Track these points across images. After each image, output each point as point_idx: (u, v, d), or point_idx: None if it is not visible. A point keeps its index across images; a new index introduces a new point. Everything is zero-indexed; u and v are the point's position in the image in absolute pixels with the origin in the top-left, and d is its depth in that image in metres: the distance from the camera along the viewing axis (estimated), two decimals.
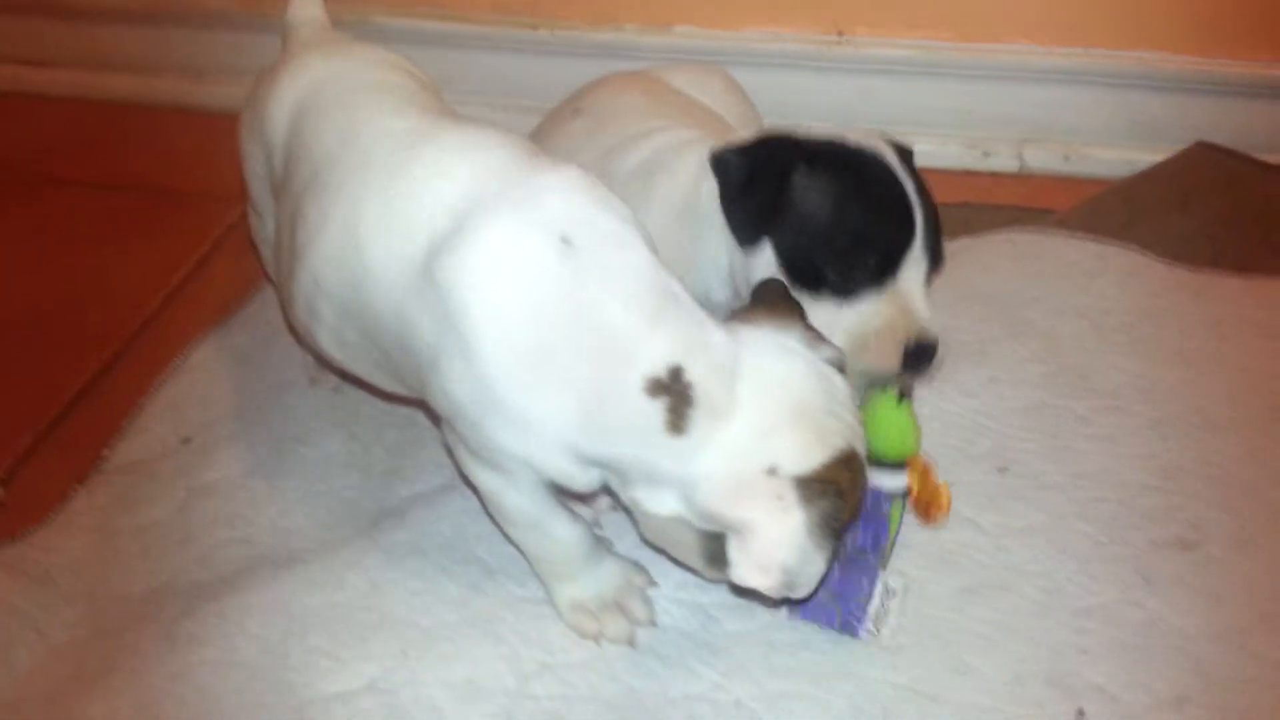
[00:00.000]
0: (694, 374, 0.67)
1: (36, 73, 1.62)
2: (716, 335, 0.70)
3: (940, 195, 1.31)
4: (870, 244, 0.82)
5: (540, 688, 0.77)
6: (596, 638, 0.80)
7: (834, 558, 0.71)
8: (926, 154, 1.38)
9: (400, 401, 0.95)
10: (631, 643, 0.80)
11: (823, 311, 0.82)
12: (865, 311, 0.82)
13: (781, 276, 0.82)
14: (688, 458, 0.68)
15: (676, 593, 0.83)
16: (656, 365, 0.67)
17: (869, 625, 0.79)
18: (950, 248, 1.16)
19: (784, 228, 0.82)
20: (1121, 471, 0.92)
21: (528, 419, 0.68)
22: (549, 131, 1.05)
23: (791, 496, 0.67)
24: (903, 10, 1.35)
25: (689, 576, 0.83)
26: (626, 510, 0.75)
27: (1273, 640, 0.79)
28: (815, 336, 0.75)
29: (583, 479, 0.72)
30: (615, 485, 0.73)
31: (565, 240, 0.67)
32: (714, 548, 0.69)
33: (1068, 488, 0.91)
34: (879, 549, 0.82)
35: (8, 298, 1.20)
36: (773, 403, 0.69)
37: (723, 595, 0.83)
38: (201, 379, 1.07)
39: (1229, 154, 1.27)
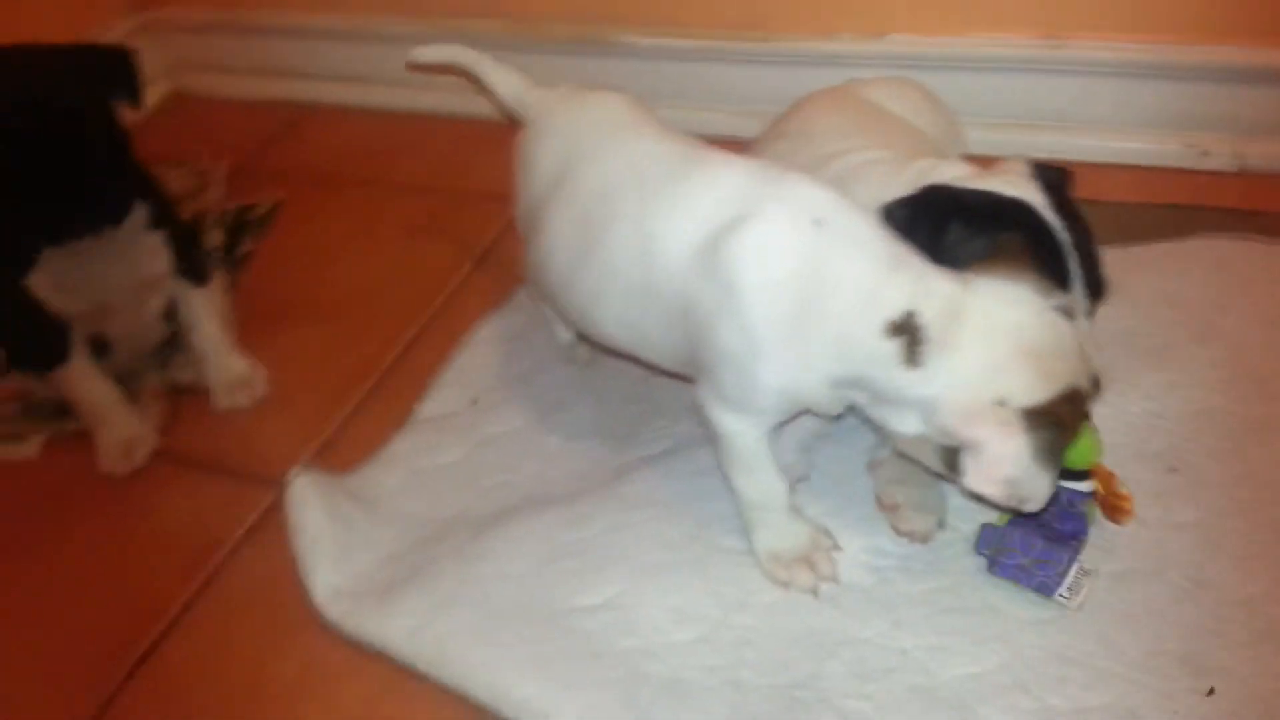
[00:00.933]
0: (925, 317, 0.82)
1: (348, 88, 1.96)
2: (945, 284, 0.84)
3: (1156, 195, 1.38)
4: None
5: (737, 618, 0.94)
6: (786, 585, 0.97)
7: (1057, 479, 0.83)
8: (1143, 153, 1.44)
9: (655, 370, 1.12)
10: (815, 593, 0.96)
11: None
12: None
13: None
14: (924, 386, 0.83)
15: (859, 555, 0.98)
16: (893, 310, 0.83)
17: (1063, 591, 0.91)
18: (1146, 251, 1.24)
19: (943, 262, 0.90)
20: None
21: (791, 359, 0.87)
22: (759, 153, 1.19)
23: (1017, 425, 0.80)
24: (1118, 14, 1.38)
25: (873, 542, 0.98)
26: (876, 429, 0.93)
27: None
28: (1047, 285, 0.87)
29: (833, 404, 0.91)
30: (865, 405, 0.89)
31: (817, 221, 0.86)
32: (951, 458, 0.84)
33: (1230, 487, 0.98)
34: (1079, 539, 0.94)
35: (334, 283, 1.50)
36: (1002, 343, 0.82)
37: (898, 560, 0.97)
38: (485, 352, 1.32)
39: None
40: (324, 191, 1.72)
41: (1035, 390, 0.81)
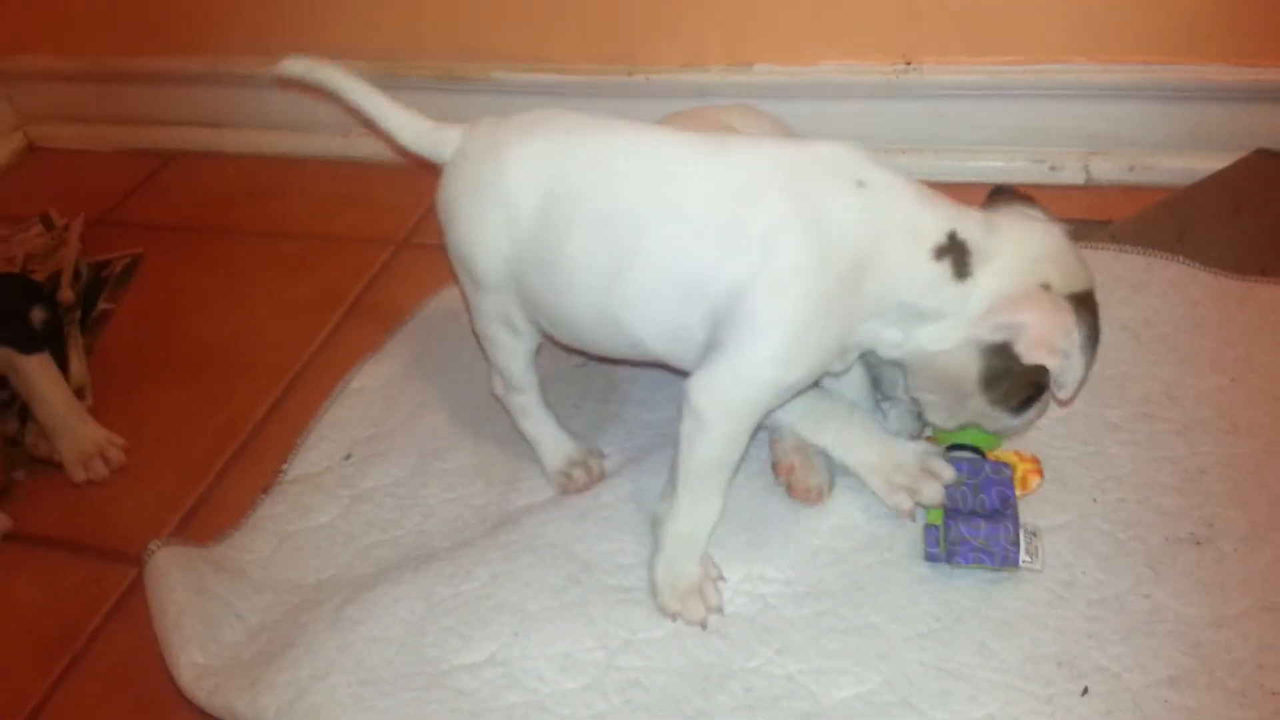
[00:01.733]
0: (965, 233, 0.89)
1: (209, 134, 1.90)
2: (972, 210, 0.92)
3: None
4: None
5: (624, 660, 0.93)
6: (675, 617, 0.96)
7: (1090, 367, 0.91)
8: (995, 170, 1.49)
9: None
10: (704, 625, 0.96)
11: None
12: None
13: None
14: (975, 294, 0.89)
15: (741, 584, 0.98)
16: (938, 235, 0.89)
17: (1024, 556, 0.93)
18: None
19: None
20: (1146, 474, 1.02)
21: (855, 303, 0.90)
22: None
23: (1063, 302, 0.88)
24: (967, 38, 1.44)
25: (755, 569, 0.98)
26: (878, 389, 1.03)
27: (1267, 626, 0.88)
28: (1058, 223, 0.95)
29: (851, 354, 0.95)
30: (896, 342, 0.93)
31: (860, 183, 0.89)
32: (993, 365, 0.90)
33: (1094, 490, 1.01)
34: (1011, 503, 0.96)
35: (197, 340, 1.44)
36: (1038, 243, 0.91)
37: (781, 585, 0.97)
38: (358, 403, 1.28)
39: None
40: (186, 243, 1.66)
41: (1072, 279, 0.90)
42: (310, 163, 1.82)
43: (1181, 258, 1.22)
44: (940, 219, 0.90)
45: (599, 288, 0.95)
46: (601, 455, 1.14)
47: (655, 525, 1.00)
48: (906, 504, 0.99)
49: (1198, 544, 0.95)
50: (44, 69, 1.95)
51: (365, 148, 1.77)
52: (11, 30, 1.94)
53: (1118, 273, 1.22)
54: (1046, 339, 0.88)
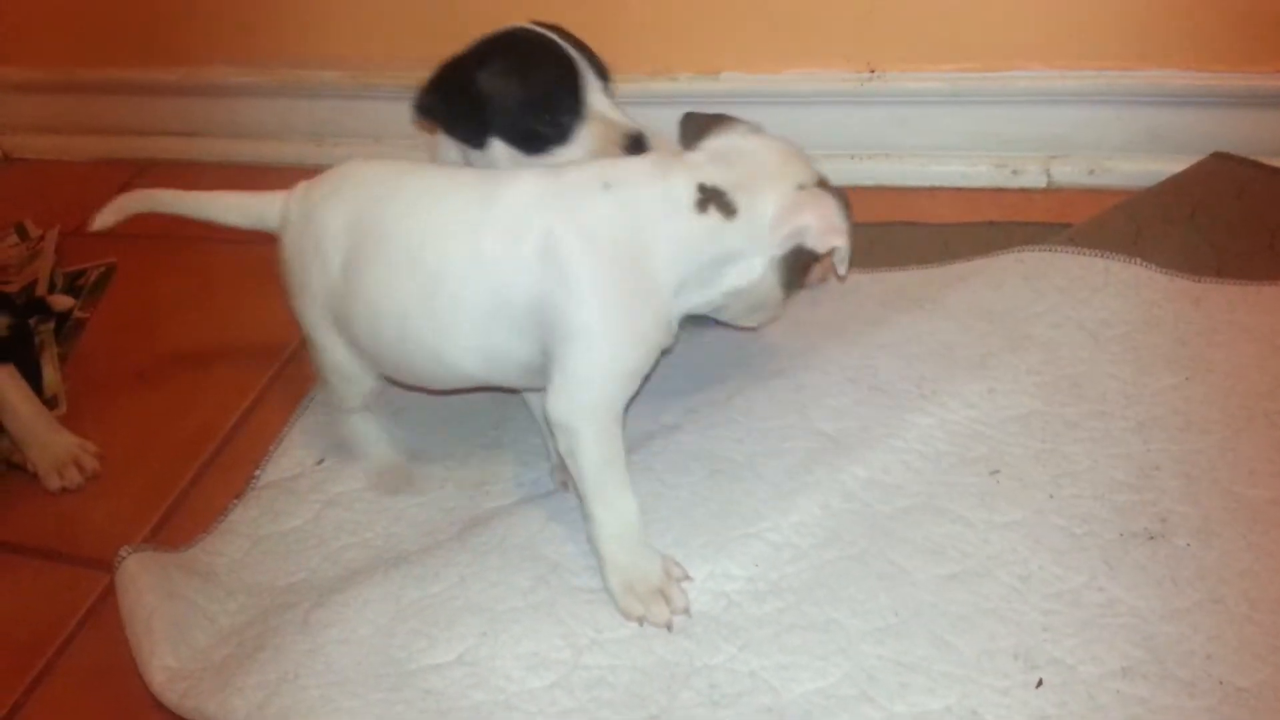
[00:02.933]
0: (710, 179, 0.96)
1: (183, 143, 1.91)
2: (698, 154, 0.99)
3: (971, 214, 1.46)
4: (553, 95, 1.04)
5: (590, 659, 0.94)
6: (640, 620, 0.97)
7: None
8: (958, 174, 1.52)
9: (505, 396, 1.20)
10: (669, 627, 0.97)
11: (559, 158, 1.05)
12: (583, 141, 1.05)
13: (515, 149, 1.06)
14: (749, 223, 0.97)
15: (705, 582, 0.99)
16: (688, 192, 0.96)
17: None
18: (963, 268, 1.31)
19: (495, 121, 1.05)
20: (1101, 471, 1.04)
21: (654, 284, 0.96)
22: None
23: (819, 190, 0.98)
24: (928, 46, 1.47)
25: (719, 567, 0.99)
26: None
27: (1217, 618, 0.90)
28: (755, 125, 1.03)
29: (674, 324, 1.00)
30: (710, 298, 1.00)
31: (605, 185, 0.97)
32: (791, 270, 1.00)
33: (1050, 487, 1.03)
34: None
35: (170, 347, 1.45)
36: (769, 153, 0.99)
37: (744, 583, 0.98)
38: (330, 410, 1.29)
39: (1241, 163, 1.34)
40: (159, 251, 1.66)
41: (812, 173, 1.00)
42: (283, 170, 1.82)
43: (1138, 259, 1.24)
44: (680, 178, 0.97)
45: (407, 323, 1.01)
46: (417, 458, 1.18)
47: (591, 544, 1.01)
48: (637, 610, 0.98)
49: (1151, 539, 0.97)
50: (18, 80, 1.96)
51: (338, 155, 1.77)
52: None
53: (1076, 274, 1.24)
54: (830, 227, 0.97)
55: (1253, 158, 1.36)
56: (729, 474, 1.08)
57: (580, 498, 1.00)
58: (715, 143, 1.01)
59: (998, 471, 1.05)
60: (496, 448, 1.21)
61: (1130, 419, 1.09)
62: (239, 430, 1.29)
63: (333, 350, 1.11)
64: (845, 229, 0.98)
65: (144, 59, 1.87)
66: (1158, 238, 1.27)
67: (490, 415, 1.24)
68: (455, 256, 0.99)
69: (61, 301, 1.55)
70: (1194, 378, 1.12)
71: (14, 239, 1.74)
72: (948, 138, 1.51)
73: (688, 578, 1.00)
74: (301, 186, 1.10)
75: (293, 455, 1.24)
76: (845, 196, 1.01)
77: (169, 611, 1.02)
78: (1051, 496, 1.02)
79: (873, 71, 1.50)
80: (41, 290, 1.59)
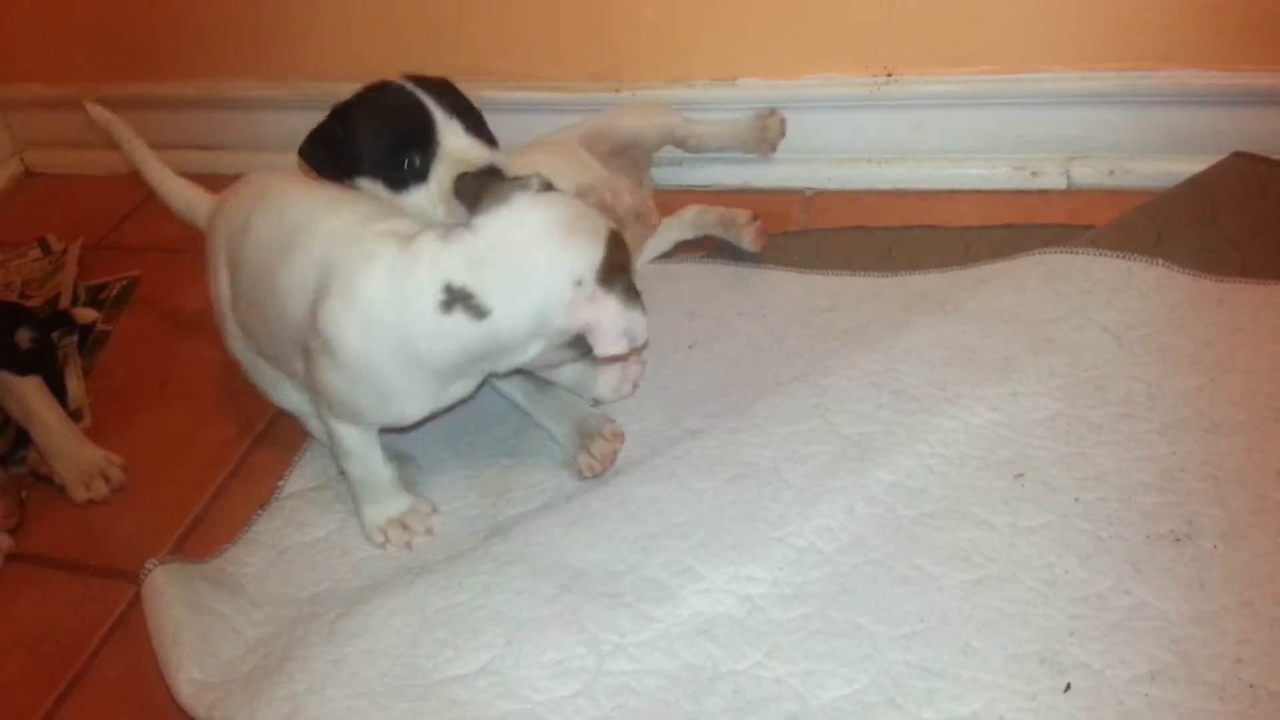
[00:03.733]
0: (457, 278, 0.94)
1: (203, 156, 1.92)
2: (459, 242, 0.95)
3: (990, 216, 1.45)
4: (405, 136, 1.08)
5: (614, 664, 0.94)
6: (383, 545, 1.11)
7: (644, 310, 0.98)
8: (977, 177, 1.51)
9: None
10: (410, 547, 1.11)
11: (423, 196, 1.08)
12: (440, 180, 1.07)
13: (383, 187, 1.10)
14: (509, 315, 0.94)
15: (729, 585, 0.99)
16: (435, 295, 0.94)
17: None
18: (984, 271, 1.31)
19: (359, 163, 1.11)
20: (1126, 474, 1.03)
21: (415, 382, 1.00)
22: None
23: (599, 291, 0.94)
24: (945, 49, 1.46)
25: (742, 570, 0.99)
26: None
27: (1245, 621, 0.89)
28: (542, 180, 0.99)
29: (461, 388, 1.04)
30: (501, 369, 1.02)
31: (393, 260, 0.98)
32: (577, 348, 0.98)
33: (1075, 490, 1.02)
34: None
35: (193, 359, 1.46)
36: (542, 238, 0.94)
37: (768, 586, 0.98)
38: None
39: (1263, 162, 1.33)
40: (181, 264, 1.66)
41: (592, 255, 0.94)
42: None
43: (1160, 260, 1.23)
44: (429, 278, 0.94)
45: (260, 319, 1.10)
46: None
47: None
48: (379, 539, 1.12)
49: (1178, 541, 0.97)
50: (39, 96, 1.98)
51: None
52: (7, 59, 1.97)
53: (1097, 276, 1.23)
54: (609, 336, 0.95)
55: (1274, 157, 1.35)
56: (752, 478, 1.08)
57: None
58: (485, 223, 0.96)
59: (1022, 475, 1.05)
60: (517, 456, 1.21)
61: (1155, 421, 1.08)
62: (262, 441, 1.30)
63: (241, 354, 1.21)
64: (626, 333, 0.95)
65: (163, 74, 1.89)
66: (1180, 238, 1.26)
67: (510, 424, 1.25)
68: (278, 273, 1.05)
69: (86, 314, 1.56)
70: (1219, 379, 1.11)
71: (37, 253, 1.76)
72: (966, 140, 1.51)
73: (436, 511, 1.14)
74: (225, 193, 1.20)
75: (316, 465, 1.24)
76: (629, 280, 0.97)
77: (195, 624, 1.02)
78: (1077, 500, 1.02)
79: (890, 75, 1.50)
80: (65, 304, 1.60)
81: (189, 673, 0.99)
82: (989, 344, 1.18)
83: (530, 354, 0.98)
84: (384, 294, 0.96)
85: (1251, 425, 1.05)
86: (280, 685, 0.96)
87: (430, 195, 1.08)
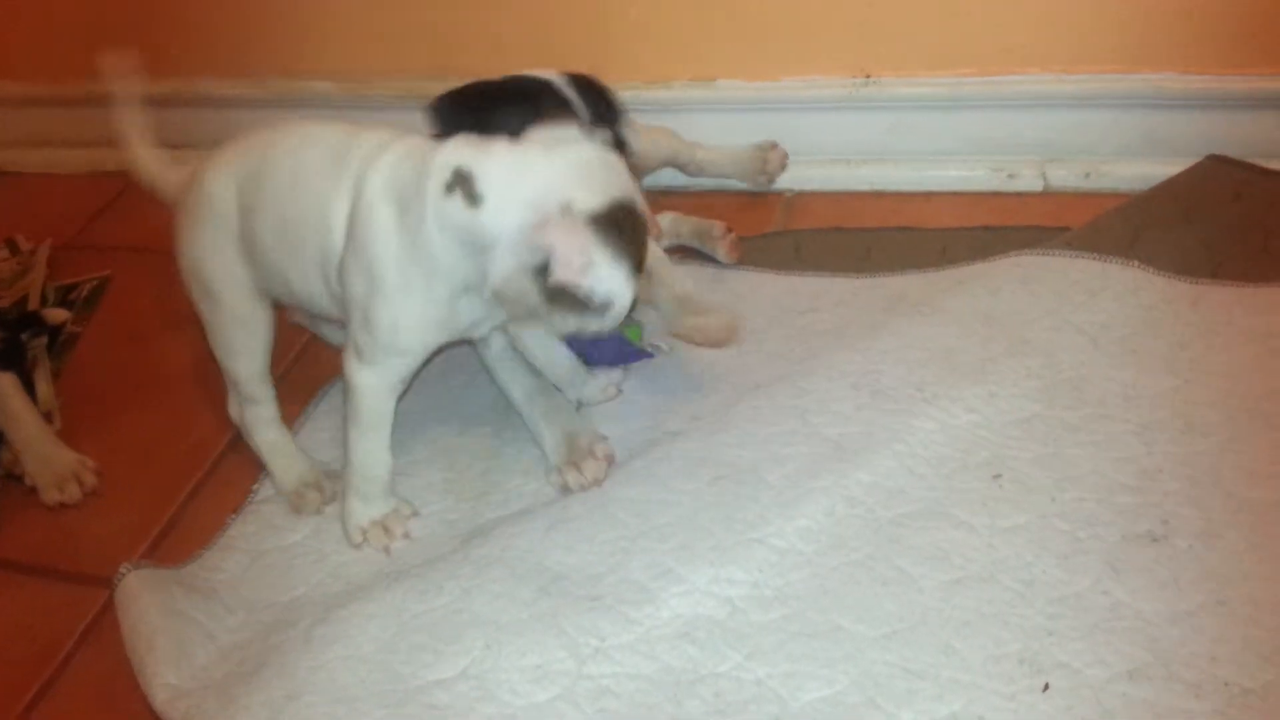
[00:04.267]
0: (472, 166, 0.96)
1: (180, 155, 1.90)
2: (492, 142, 0.98)
3: (968, 218, 1.46)
4: None
5: (594, 668, 0.93)
6: (360, 546, 1.11)
7: (635, 281, 0.96)
8: (955, 179, 1.52)
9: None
10: (388, 551, 1.11)
11: None
12: None
13: None
14: (496, 218, 0.95)
15: (710, 587, 0.98)
16: (443, 173, 0.97)
17: (649, 347, 1.18)
18: (962, 272, 1.32)
19: None
20: (1103, 474, 1.04)
21: (433, 261, 0.99)
22: None
23: (580, 223, 0.93)
24: (924, 52, 1.47)
25: (722, 572, 0.99)
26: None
27: (1221, 620, 0.90)
28: (589, 129, 1.02)
29: (474, 318, 1.05)
30: (488, 294, 0.99)
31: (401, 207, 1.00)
32: (542, 275, 0.94)
33: (1053, 490, 1.03)
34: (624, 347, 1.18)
35: (166, 361, 1.44)
36: (556, 164, 0.96)
37: (748, 588, 0.98)
38: (327, 424, 1.29)
39: (1237, 165, 1.35)
40: (153, 265, 1.64)
41: (590, 198, 0.94)
42: None
43: (1136, 262, 1.24)
44: (444, 159, 0.98)
45: (289, 257, 1.08)
46: (335, 477, 1.19)
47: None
48: (357, 539, 1.12)
49: (1154, 541, 0.97)
50: (6, 94, 1.95)
51: None
52: None
53: (1074, 278, 1.24)
54: (568, 261, 0.92)
55: (1248, 160, 1.36)
56: (732, 480, 1.08)
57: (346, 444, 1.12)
58: (537, 135, 1.00)
59: (1000, 476, 1.05)
60: (496, 458, 1.20)
61: (1131, 421, 1.09)
62: (236, 444, 1.28)
63: (232, 296, 1.15)
64: (585, 267, 0.93)
65: (135, 71, 1.86)
66: (1155, 240, 1.27)
67: (489, 425, 1.24)
68: (306, 208, 1.05)
69: (56, 315, 1.54)
70: (1194, 380, 1.12)
71: (4, 253, 1.73)
72: (944, 142, 1.51)
73: (416, 514, 1.14)
74: (195, 161, 1.18)
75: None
76: (625, 240, 0.95)
77: (170, 629, 1.01)
78: (1054, 500, 1.02)
79: (868, 77, 1.51)
80: (34, 305, 1.58)
81: (164, 679, 0.97)
82: (966, 345, 1.18)
83: (502, 267, 0.96)
84: (410, 177, 0.99)
85: (1226, 426, 1.06)
86: (257, 692, 0.95)
87: None
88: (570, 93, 1.10)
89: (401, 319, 1.02)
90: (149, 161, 1.27)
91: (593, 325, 0.97)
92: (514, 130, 1.01)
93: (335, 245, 1.04)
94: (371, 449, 1.10)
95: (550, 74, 1.12)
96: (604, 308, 0.94)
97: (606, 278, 0.93)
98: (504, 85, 1.10)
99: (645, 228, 1.00)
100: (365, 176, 1.02)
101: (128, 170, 1.30)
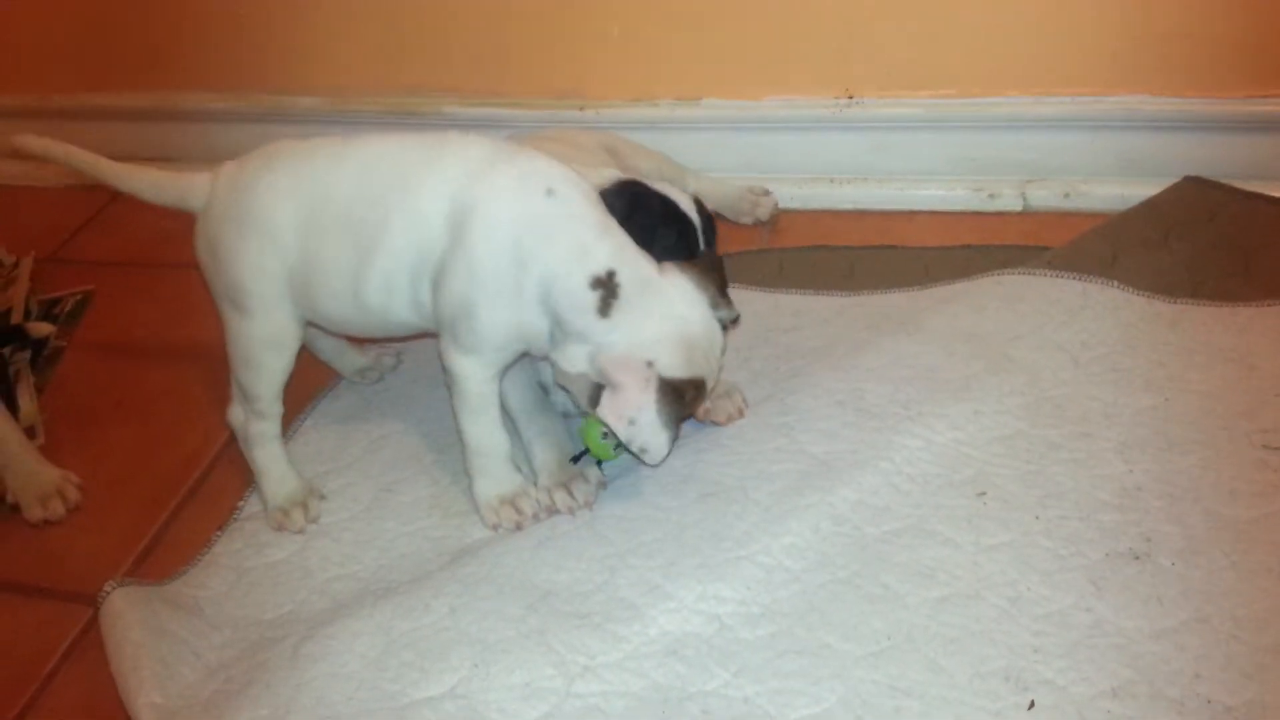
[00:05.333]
0: (622, 278, 1.01)
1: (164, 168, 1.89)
2: (646, 261, 1.03)
3: (949, 237, 1.47)
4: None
5: (583, 686, 0.94)
6: (495, 527, 1.12)
7: (673, 441, 1.04)
8: (936, 198, 1.54)
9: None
10: (520, 527, 1.11)
11: None
12: None
13: None
14: (604, 334, 1.01)
15: (697, 604, 0.99)
16: (599, 268, 1.00)
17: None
18: (944, 291, 1.33)
19: None
20: (1086, 492, 1.05)
21: (507, 299, 1.03)
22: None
23: (654, 384, 1.01)
24: (906, 73, 1.49)
25: (710, 589, 1.00)
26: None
27: (1202, 638, 0.91)
28: (720, 298, 1.07)
29: (542, 338, 1.05)
30: (551, 345, 1.05)
31: (549, 191, 1.02)
32: (596, 394, 1.03)
33: (1036, 508, 1.04)
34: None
35: (150, 376, 1.44)
36: (672, 324, 1.02)
37: (735, 605, 0.99)
38: (314, 439, 1.28)
39: (1214, 186, 1.38)
40: (136, 279, 1.65)
41: (677, 368, 1.02)
42: None
43: (1116, 282, 1.26)
44: (607, 254, 1.01)
45: (357, 280, 1.08)
46: (322, 497, 1.20)
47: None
48: (492, 520, 1.13)
49: (1137, 559, 0.99)
50: None
51: None
52: None
53: (1054, 297, 1.26)
54: (620, 407, 1.00)
55: (1224, 181, 1.39)
56: (720, 497, 1.09)
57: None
58: (686, 277, 1.05)
59: (984, 493, 1.07)
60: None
61: (1112, 440, 1.10)
62: (221, 460, 1.28)
63: (269, 317, 1.13)
64: (631, 421, 1.00)
65: (119, 85, 1.86)
66: (1134, 261, 1.29)
67: None
68: (394, 212, 1.05)
69: (40, 328, 1.53)
70: (1173, 398, 1.14)
71: None
72: (926, 162, 1.54)
73: (551, 498, 1.12)
74: (230, 165, 1.15)
75: None
76: (676, 415, 1.02)
77: (155, 647, 1.00)
78: (1038, 518, 1.04)
79: (851, 98, 1.52)
80: (17, 318, 1.57)
81: (149, 697, 0.96)
82: (950, 363, 1.20)
83: (574, 365, 1.03)
84: (534, 225, 1.01)
85: (1206, 444, 1.08)
86: (243, 710, 0.94)
87: None
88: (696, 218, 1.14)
89: (494, 318, 1.04)
90: (159, 183, 1.20)
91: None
92: (656, 251, 1.06)
93: (433, 247, 1.05)
94: (483, 431, 1.12)
95: (684, 200, 1.14)
96: (640, 452, 1.03)
97: (649, 435, 1.02)
98: (665, 205, 1.13)
99: (704, 397, 1.08)
100: (478, 191, 1.03)
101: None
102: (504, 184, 1.03)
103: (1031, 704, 0.89)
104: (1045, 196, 1.50)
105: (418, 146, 1.07)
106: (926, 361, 1.21)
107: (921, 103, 1.50)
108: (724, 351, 1.09)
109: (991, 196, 1.52)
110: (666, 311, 1.02)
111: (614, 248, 1.02)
